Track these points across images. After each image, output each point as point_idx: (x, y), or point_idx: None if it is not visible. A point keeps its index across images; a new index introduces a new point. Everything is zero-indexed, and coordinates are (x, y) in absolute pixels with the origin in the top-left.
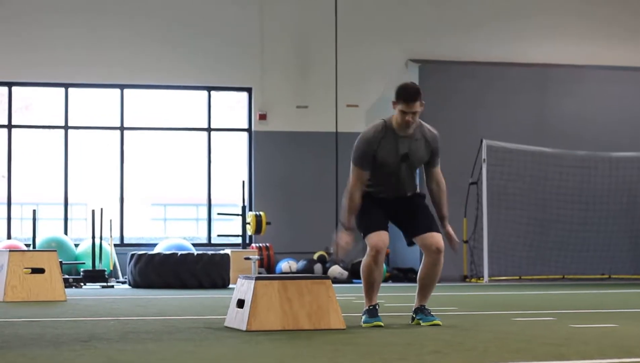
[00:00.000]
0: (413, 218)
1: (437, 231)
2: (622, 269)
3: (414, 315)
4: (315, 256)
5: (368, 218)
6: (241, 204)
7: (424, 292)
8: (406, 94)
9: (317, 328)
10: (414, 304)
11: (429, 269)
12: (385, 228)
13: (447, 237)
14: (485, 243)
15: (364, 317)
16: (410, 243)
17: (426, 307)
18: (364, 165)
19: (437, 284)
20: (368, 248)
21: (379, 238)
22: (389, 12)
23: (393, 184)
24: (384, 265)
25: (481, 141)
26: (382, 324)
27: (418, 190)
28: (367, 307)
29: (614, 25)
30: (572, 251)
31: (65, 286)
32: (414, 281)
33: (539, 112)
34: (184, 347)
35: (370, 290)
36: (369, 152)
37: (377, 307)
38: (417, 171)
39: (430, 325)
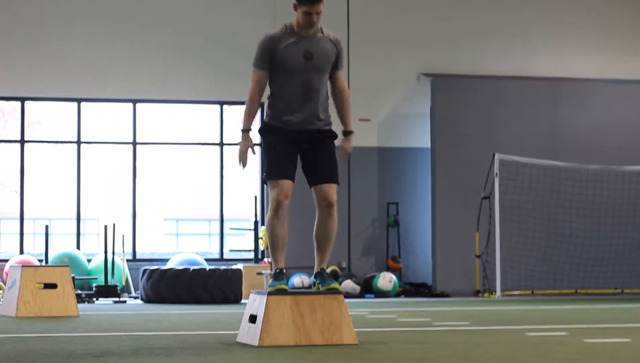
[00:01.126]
0: (315, 163)
1: (334, 182)
2: (635, 283)
3: (315, 280)
4: (328, 271)
5: (273, 156)
6: (253, 219)
7: (320, 251)
8: None
9: (329, 343)
10: (315, 268)
11: (322, 225)
12: (290, 176)
13: (342, 148)
14: (498, 257)
15: (270, 281)
16: (311, 185)
17: (325, 270)
18: (262, 64)
19: (446, 298)
20: (270, 201)
21: (281, 190)
22: (401, 26)
23: (302, 96)
24: (396, 280)
25: (493, 155)
26: (286, 288)
27: (331, 123)
28: (273, 271)
29: (627, 39)
30: (585, 265)
31: (78, 302)
32: (427, 295)
33: (552, 126)
34: (196, 362)
35: (275, 250)
36: (268, 49)
37: (283, 271)
38: (327, 86)
39: (328, 289)
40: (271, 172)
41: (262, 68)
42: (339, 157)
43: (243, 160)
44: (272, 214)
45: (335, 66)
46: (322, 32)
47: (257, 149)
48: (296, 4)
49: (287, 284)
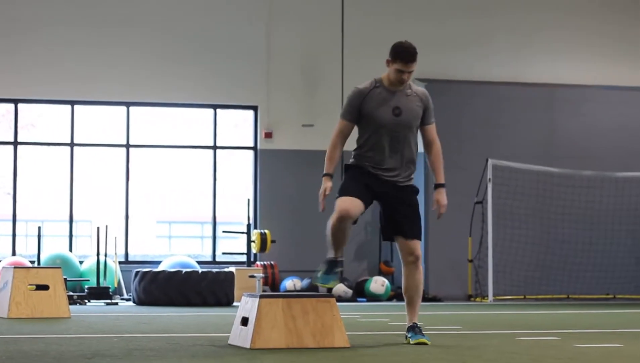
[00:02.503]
0: (401, 215)
1: (419, 238)
2: (627, 289)
3: (406, 333)
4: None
5: (350, 184)
6: (246, 222)
7: (411, 306)
8: (406, 54)
9: (321, 346)
10: (407, 322)
11: (410, 280)
12: (362, 198)
13: (436, 202)
14: (490, 262)
15: (321, 271)
16: (386, 238)
17: (417, 325)
18: (349, 116)
19: (439, 302)
20: (335, 210)
21: (349, 204)
22: (395, 31)
23: (388, 150)
24: (388, 284)
25: (487, 160)
26: (334, 285)
27: (413, 179)
28: (329, 258)
29: (622, 46)
30: (577, 271)
31: (70, 303)
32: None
33: (546, 132)
34: None
35: (335, 242)
36: (357, 102)
37: (340, 263)
38: (416, 141)
39: (417, 343)
40: (347, 190)
41: (349, 120)
42: (431, 212)
43: (321, 202)
44: (334, 222)
45: (424, 121)
46: (410, 88)
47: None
48: (389, 60)
49: (337, 280)
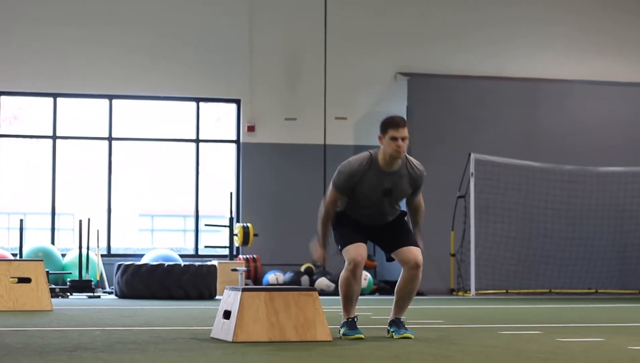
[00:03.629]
0: (392, 233)
1: (417, 245)
2: (609, 284)
3: (389, 327)
4: (303, 268)
5: (346, 231)
6: (229, 216)
7: (400, 305)
8: (396, 119)
9: (303, 340)
10: (390, 316)
11: (407, 284)
12: (364, 241)
13: None
14: (473, 256)
15: (343, 329)
16: (389, 259)
17: (401, 320)
18: (343, 191)
19: (421, 296)
20: (346, 262)
21: (357, 251)
22: (378, 25)
23: (373, 215)
24: (371, 278)
25: (469, 155)
26: (363, 337)
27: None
28: (345, 319)
29: (604, 41)
30: (559, 265)
31: (52, 296)
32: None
33: (528, 126)
34: (170, 357)
35: (348, 303)
36: (351, 183)
37: (355, 320)
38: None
39: (401, 338)
40: (348, 239)
41: (342, 193)
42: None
43: (316, 261)
44: (349, 274)
45: (413, 195)
46: (406, 166)
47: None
48: (381, 136)
49: (362, 333)
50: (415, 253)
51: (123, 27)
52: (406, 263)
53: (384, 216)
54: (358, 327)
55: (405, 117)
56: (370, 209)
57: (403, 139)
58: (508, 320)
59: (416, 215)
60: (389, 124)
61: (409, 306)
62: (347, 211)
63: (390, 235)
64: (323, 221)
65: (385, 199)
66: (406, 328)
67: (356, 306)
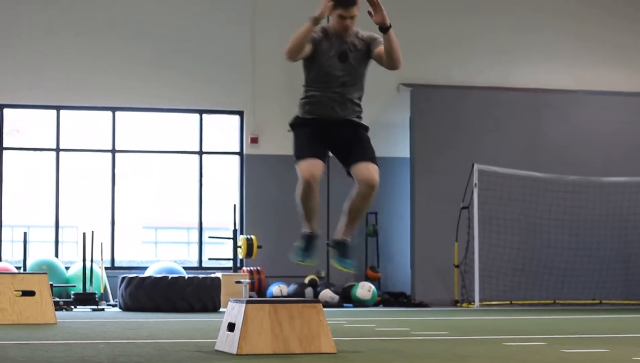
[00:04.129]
0: (351, 146)
1: (375, 163)
2: (613, 294)
3: (331, 244)
4: (306, 280)
5: (302, 141)
6: (232, 228)
7: (349, 222)
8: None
9: (307, 352)
10: (336, 234)
11: (360, 201)
12: (320, 156)
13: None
14: (477, 267)
15: (296, 247)
16: (349, 174)
17: (348, 243)
18: (311, 37)
19: (425, 308)
20: (299, 177)
21: (309, 167)
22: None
23: (335, 98)
24: (375, 290)
25: (472, 166)
26: (313, 264)
27: (362, 117)
28: (305, 232)
29: (606, 51)
30: (563, 276)
31: (56, 309)
32: (405, 305)
33: (531, 137)
34: None
35: (308, 214)
36: (315, 35)
37: (315, 237)
38: (363, 84)
39: (340, 269)
40: (303, 151)
41: (311, 37)
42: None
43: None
44: (301, 191)
45: (373, 48)
46: (357, 35)
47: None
48: (332, 7)
49: (313, 259)
50: (371, 171)
51: (126, 39)
52: (361, 181)
53: (345, 104)
54: (313, 250)
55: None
56: (329, 89)
57: (352, 18)
58: (512, 331)
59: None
60: (339, 2)
61: (408, 317)
62: (307, 102)
63: (348, 146)
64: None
65: (342, 66)
66: (350, 262)
67: (357, 317)
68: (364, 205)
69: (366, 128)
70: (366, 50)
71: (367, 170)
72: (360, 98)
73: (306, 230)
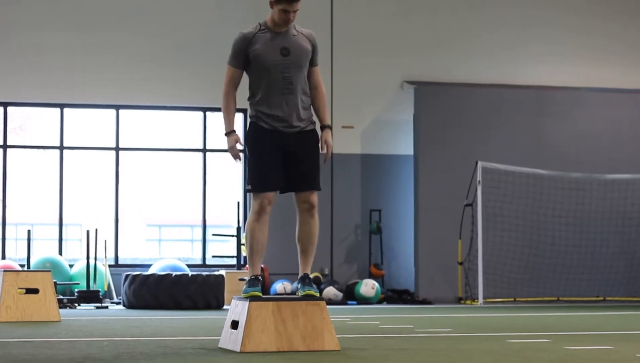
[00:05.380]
0: (298, 169)
1: (316, 188)
2: (617, 291)
3: (297, 285)
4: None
5: (258, 170)
6: (236, 225)
7: (304, 255)
8: None
9: (311, 349)
10: (299, 272)
11: (304, 227)
12: (274, 186)
13: (323, 144)
14: (480, 264)
15: (244, 287)
16: (283, 191)
17: (308, 275)
18: (235, 62)
19: (428, 305)
20: (252, 206)
21: (265, 197)
22: (384, 34)
23: (281, 92)
24: (378, 287)
25: (476, 163)
26: (260, 294)
27: (313, 124)
28: (250, 277)
29: (610, 49)
30: (567, 273)
31: (60, 307)
32: (409, 302)
33: (535, 134)
34: None
35: (253, 255)
36: (242, 46)
37: (259, 278)
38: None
39: (304, 295)
40: (255, 184)
41: (236, 66)
42: (321, 157)
43: (235, 154)
44: (253, 217)
45: (312, 62)
46: (295, 29)
47: (241, 155)
48: (272, 1)
49: (260, 291)
50: (311, 196)
51: (130, 37)
52: (300, 205)
53: (295, 108)
54: (259, 285)
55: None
56: (274, 81)
57: (294, 11)
58: (516, 328)
59: (317, 98)
60: None
61: (412, 314)
62: (257, 107)
63: (298, 171)
64: (224, 106)
65: (285, 60)
66: (312, 285)
67: (361, 314)
68: (308, 229)
69: (317, 139)
70: (311, 49)
71: (307, 196)
72: (308, 96)
73: (253, 273)
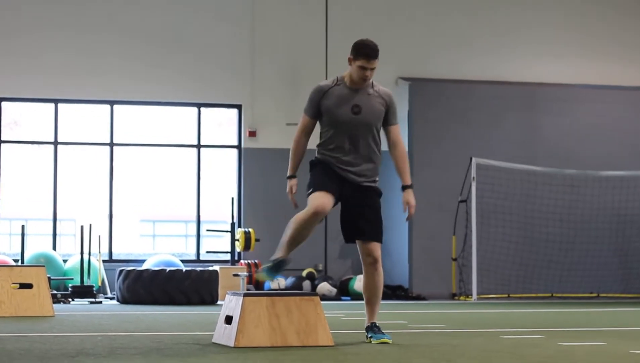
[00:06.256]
0: (361, 218)
1: (379, 240)
2: (611, 288)
3: (366, 333)
4: (304, 273)
5: (318, 178)
6: (230, 221)
7: (370, 306)
8: (368, 50)
9: (305, 345)
10: (365, 322)
11: (369, 280)
12: (333, 193)
13: (405, 204)
14: (474, 261)
15: (267, 267)
16: (348, 241)
17: (376, 324)
18: (310, 112)
19: (423, 301)
20: (307, 206)
21: (321, 201)
22: (379, 30)
23: (348, 147)
24: None
25: (471, 159)
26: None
27: (377, 181)
28: (279, 258)
29: (604, 45)
30: (561, 269)
31: (54, 302)
32: (403, 298)
33: (529, 131)
34: (171, 362)
35: (292, 243)
36: (317, 98)
37: (287, 262)
38: (378, 140)
39: (380, 343)
40: (318, 185)
41: (309, 115)
42: (393, 214)
43: (292, 199)
44: (305, 216)
45: (388, 121)
46: (373, 87)
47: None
48: (351, 57)
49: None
50: (375, 247)
51: (124, 33)
52: (365, 258)
53: (360, 161)
54: (281, 271)
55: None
56: (343, 136)
57: (372, 70)
58: (510, 324)
59: (398, 159)
60: (362, 54)
61: (407, 309)
62: (324, 151)
63: (358, 218)
64: (293, 149)
65: (355, 118)
66: (383, 333)
67: (354, 310)
68: (374, 283)
69: (379, 193)
70: (384, 109)
71: (371, 248)
72: (375, 153)
73: (281, 255)
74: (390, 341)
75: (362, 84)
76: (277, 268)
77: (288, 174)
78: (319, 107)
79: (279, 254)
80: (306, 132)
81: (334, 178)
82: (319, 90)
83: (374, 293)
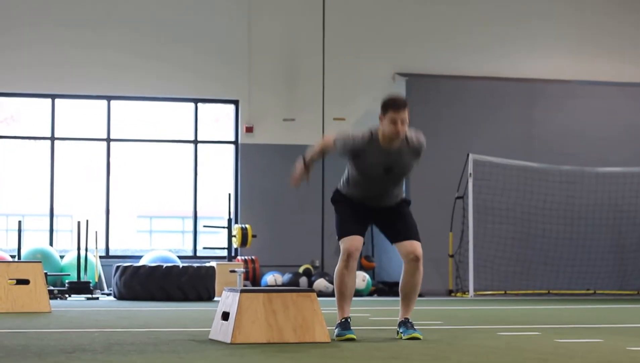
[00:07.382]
0: (394, 223)
1: (417, 239)
2: (607, 284)
3: (398, 329)
4: (301, 270)
5: (344, 221)
6: (227, 217)
7: (406, 302)
8: (396, 101)
9: (302, 341)
10: (399, 317)
11: (409, 278)
12: (360, 233)
13: None
14: (471, 257)
15: (336, 330)
16: (393, 242)
17: (409, 320)
18: (341, 149)
19: (419, 297)
20: (341, 253)
21: (351, 243)
22: (376, 26)
23: (377, 195)
24: (369, 279)
25: (467, 155)
26: (354, 337)
27: (404, 196)
28: (339, 320)
29: (602, 42)
30: (558, 266)
31: (50, 298)
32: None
33: (526, 127)
34: (168, 358)
35: (342, 300)
36: (350, 148)
37: (349, 320)
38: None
39: (409, 338)
40: (345, 230)
41: (339, 152)
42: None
43: (293, 181)
44: (342, 264)
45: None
46: (406, 141)
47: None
48: (381, 115)
49: (353, 333)
50: (415, 246)
51: (121, 28)
52: (406, 256)
53: (386, 198)
54: (351, 327)
55: (405, 98)
56: (372, 189)
57: (402, 122)
58: (506, 321)
59: (411, 286)
60: (390, 105)
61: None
62: (349, 191)
63: (392, 224)
64: (317, 145)
65: (387, 176)
66: (414, 329)
67: (351, 307)
68: (415, 281)
69: (408, 202)
70: (415, 158)
71: (411, 246)
72: (402, 185)
73: (341, 317)
74: (421, 337)
75: (396, 141)
76: (344, 326)
77: (305, 159)
78: (350, 156)
79: (338, 317)
80: (332, 148)
81: (360, 213)
82: (354, 143)
83: (414, 290)
